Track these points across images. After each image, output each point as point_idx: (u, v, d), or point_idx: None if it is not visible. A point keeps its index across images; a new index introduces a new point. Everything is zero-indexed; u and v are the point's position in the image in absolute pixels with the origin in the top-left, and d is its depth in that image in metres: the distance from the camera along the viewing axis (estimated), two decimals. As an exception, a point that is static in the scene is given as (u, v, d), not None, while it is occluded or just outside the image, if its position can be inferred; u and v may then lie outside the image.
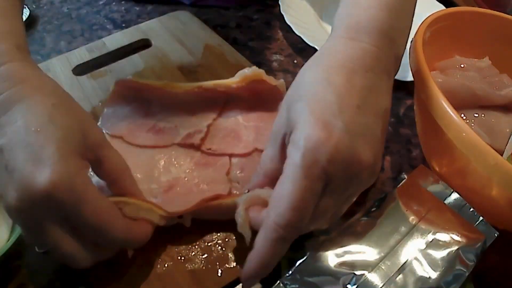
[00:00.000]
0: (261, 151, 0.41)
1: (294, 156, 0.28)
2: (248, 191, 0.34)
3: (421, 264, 0.32)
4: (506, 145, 0.39)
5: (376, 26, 0.32)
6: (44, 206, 0.27)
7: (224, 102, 0.45)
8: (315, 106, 0.29)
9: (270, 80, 0.44)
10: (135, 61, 0.53)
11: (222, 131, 0.43)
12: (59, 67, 0.52)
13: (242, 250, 0.36)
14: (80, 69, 0.52)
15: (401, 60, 0.34)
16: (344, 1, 0.35)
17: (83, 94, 0.49)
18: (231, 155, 0.41)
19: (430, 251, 0.33)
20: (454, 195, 0.37)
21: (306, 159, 0.27)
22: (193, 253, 0.36)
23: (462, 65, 0.46)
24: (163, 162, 0.40)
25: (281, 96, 0.46)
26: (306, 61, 0.33)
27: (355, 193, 0.32)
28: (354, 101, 0.29)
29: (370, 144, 0.29)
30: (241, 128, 0.43)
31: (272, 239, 0.28)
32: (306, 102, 0.29)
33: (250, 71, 0.43)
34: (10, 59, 0.31)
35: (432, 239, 0.33)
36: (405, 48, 0.34)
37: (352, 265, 0.32)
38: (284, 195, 0.28)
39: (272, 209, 0.28)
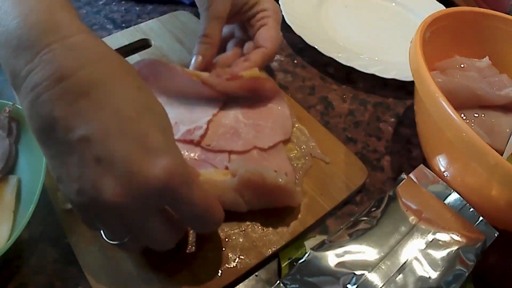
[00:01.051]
0: (260, 149, 0.42)
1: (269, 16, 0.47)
2: None
3: (421, 264, 0.32)
4: (506, 145, 0.39)
5: None
6: (156, 196, 0.26)
7: (224, 101, 0.45)
8: None
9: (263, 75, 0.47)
10: (135, 61, 0.53)
11: (222, 128, 0.43)
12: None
13: (242, 250, 0.36)
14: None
15: None
16: None
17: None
18: (230, 152, 0.42)
19: (430, 251, 0.33)
20: (454, 195, 0.37)
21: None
22: (194, 253, 0.36)
23: (462, 65, 0.46)
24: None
25: (280, 94, 0.46)
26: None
27: None
28: None
29: None
30: (241, 125, 0.44)
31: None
32: None
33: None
34: (76, 31, 0.28)
35: (432, 239, 0.33)
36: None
37: (352, 265, 0.32)
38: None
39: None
